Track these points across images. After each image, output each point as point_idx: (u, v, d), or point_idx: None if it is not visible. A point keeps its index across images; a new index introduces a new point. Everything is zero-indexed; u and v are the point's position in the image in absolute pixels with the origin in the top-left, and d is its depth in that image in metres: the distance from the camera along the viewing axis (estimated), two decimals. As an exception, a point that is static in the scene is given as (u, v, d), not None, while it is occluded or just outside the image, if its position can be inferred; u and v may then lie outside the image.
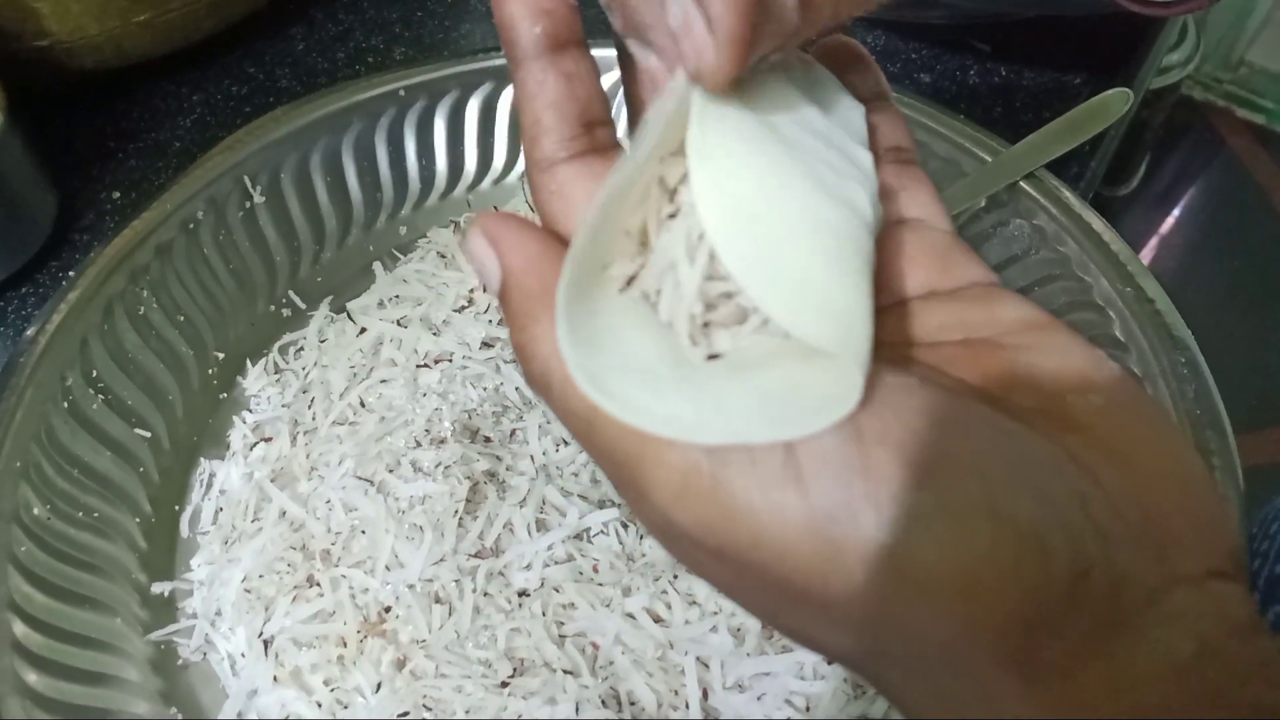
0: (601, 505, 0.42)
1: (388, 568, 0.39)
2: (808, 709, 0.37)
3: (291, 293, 0.50)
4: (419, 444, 0.42)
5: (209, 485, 0.45)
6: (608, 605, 0.38)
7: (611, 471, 0.20)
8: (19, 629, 0.37)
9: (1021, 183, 0.46)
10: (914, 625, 0.18)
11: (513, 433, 0.44)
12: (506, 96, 0.53)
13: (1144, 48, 0.61)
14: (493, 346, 0.46)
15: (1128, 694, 0.18)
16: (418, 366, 0.45)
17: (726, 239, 0.19)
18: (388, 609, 0.39)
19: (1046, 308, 0.47)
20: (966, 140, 0.48)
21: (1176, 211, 1.54)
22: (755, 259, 0.19)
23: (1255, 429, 1.27)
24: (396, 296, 0.49)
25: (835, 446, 0.18)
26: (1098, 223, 0.45)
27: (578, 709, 0.36)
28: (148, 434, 0.45)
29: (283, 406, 0.46)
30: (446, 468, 0.41)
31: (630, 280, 0.21)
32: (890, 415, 0.18)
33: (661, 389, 0.19)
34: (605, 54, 0.24)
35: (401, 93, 0.52)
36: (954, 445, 0.18)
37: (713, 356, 0.20)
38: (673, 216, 0.21)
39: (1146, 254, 1.47)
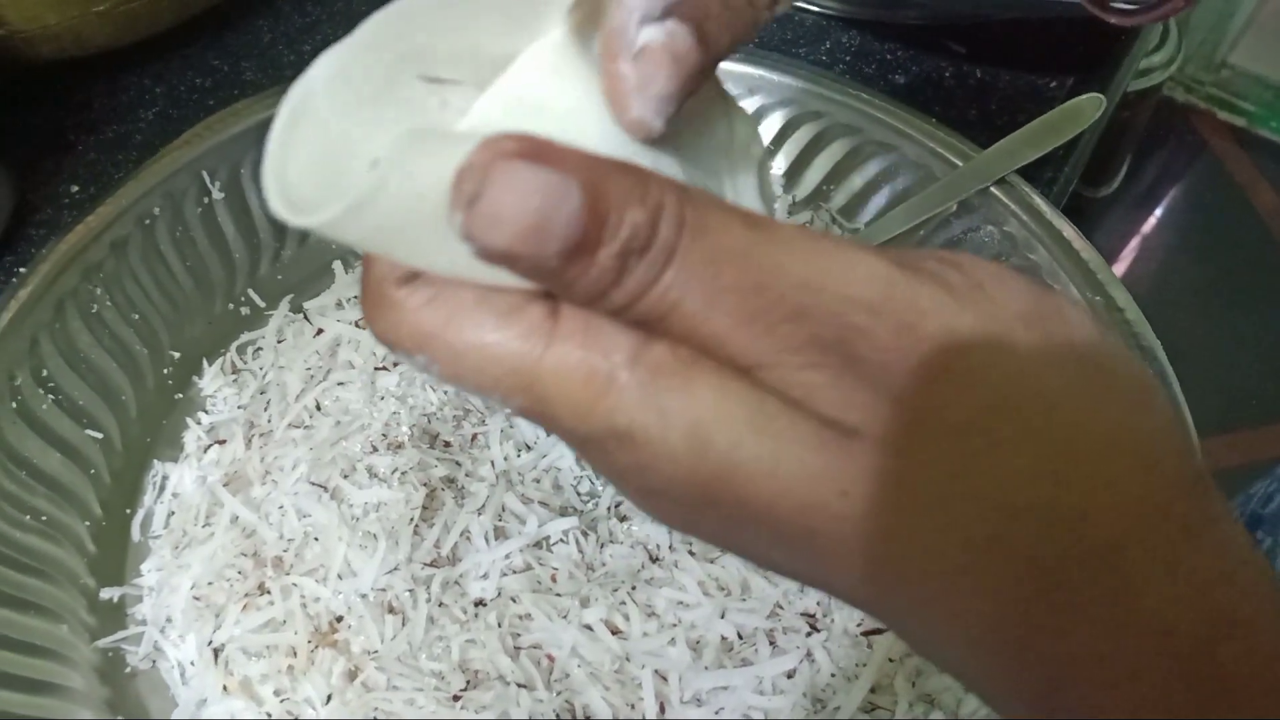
0: (563, 513, 0.41)
1: (340, 576, 0.38)
2: (766, 723, 0.36)
3: (251, 291, 0.49)
4: (375, 449, 0.42)
5: (161, 488, 0.44)
6: (565, 616, 0.37)
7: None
8: (-41, 637, 0.36)
9: (993, 188, 0.46)
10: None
11: (474, 437, 0.44)
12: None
13: (1121, 51, 0.61)
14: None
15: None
16: (376, 369, 0.45)
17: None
18: (339, 619, 0.38)
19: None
20: (938, 144, 0.47)
21: (1158, 213, 1.54)
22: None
23: (1233, 429, 1.27)
24: (355, 297, 0.48)
25: None
26: (1069, 230, 0.44)
27: (531, 723, 0.35)
28: (99, 435, 0.43)
29: (239, 408, 0.45)
30: (403, 474, 0.40)
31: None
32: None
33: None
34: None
35: (366, 87, 0.51)
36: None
37: None
38: None
39: (1128, 254, 1.47)
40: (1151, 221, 1.52)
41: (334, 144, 0.20)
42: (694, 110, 0.23)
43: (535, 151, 0.17)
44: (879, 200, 0.50)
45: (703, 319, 0.18)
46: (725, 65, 0.55)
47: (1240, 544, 0.19)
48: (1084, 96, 0.47)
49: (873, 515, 0.18)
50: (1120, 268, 1.45)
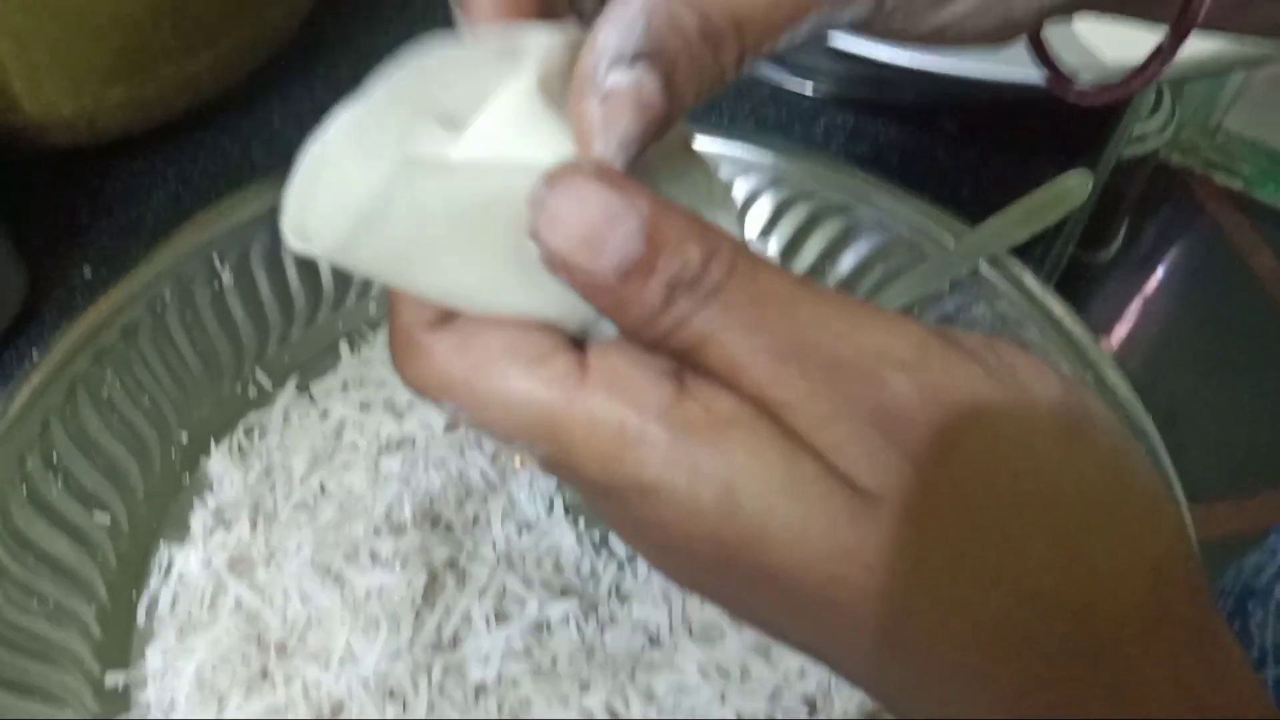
0: (564, 593, 0.42)
1: (341, 662, 0.39)
2: (767, 809, 0.36)
3: (258, 371, 0.50)
4: (378, 531, 0.42)
5: (167, 571, 0.44)
6: (565, 702, 0.38)
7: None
8: (-38, 724, 0.37)
9: (983, 266, 0.47)
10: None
11: (476, 518, 0.44)
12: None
13: (1109, 129, 0.62)
14: (457, 430, 0.46)
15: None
16: (380, 451, 0.45)
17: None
18: (341, 705, 0.38)
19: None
20: (930, 222, 0.48)
21: (1157, 276, 1.55)
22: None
23: (1236, 495, 1.27)
24: (360, 379, 0.49)
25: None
26: (1059, 308, 0.45)
27: (532, 810, 0.35)
28: (107, 518, 0.44)
29: (245, 490, 0.46)
30: (405, 556, 0.41)
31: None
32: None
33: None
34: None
35: (373, 171, 0.52)
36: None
37: None
38: None
39: (1128, 318, 1.48)
40: (1151, 285, 1.54)
41: (354, 191, 0.20)
42: (669, 165, 0.24)
43: (607, 176, 0.19)
44: (873, 277, 0.51)
45: (738, 349, 0.19)
46: (723, 148, 0.56)
47: (1232, 653, 0.20)
48: (1072, 177, 0.49)
49: (892, 591, 0.18)
50: (1121, 330, 1.46)
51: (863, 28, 0.24)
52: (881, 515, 0.18)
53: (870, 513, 0.18)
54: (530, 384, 0.20)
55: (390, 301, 0.21)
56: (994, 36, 0.25)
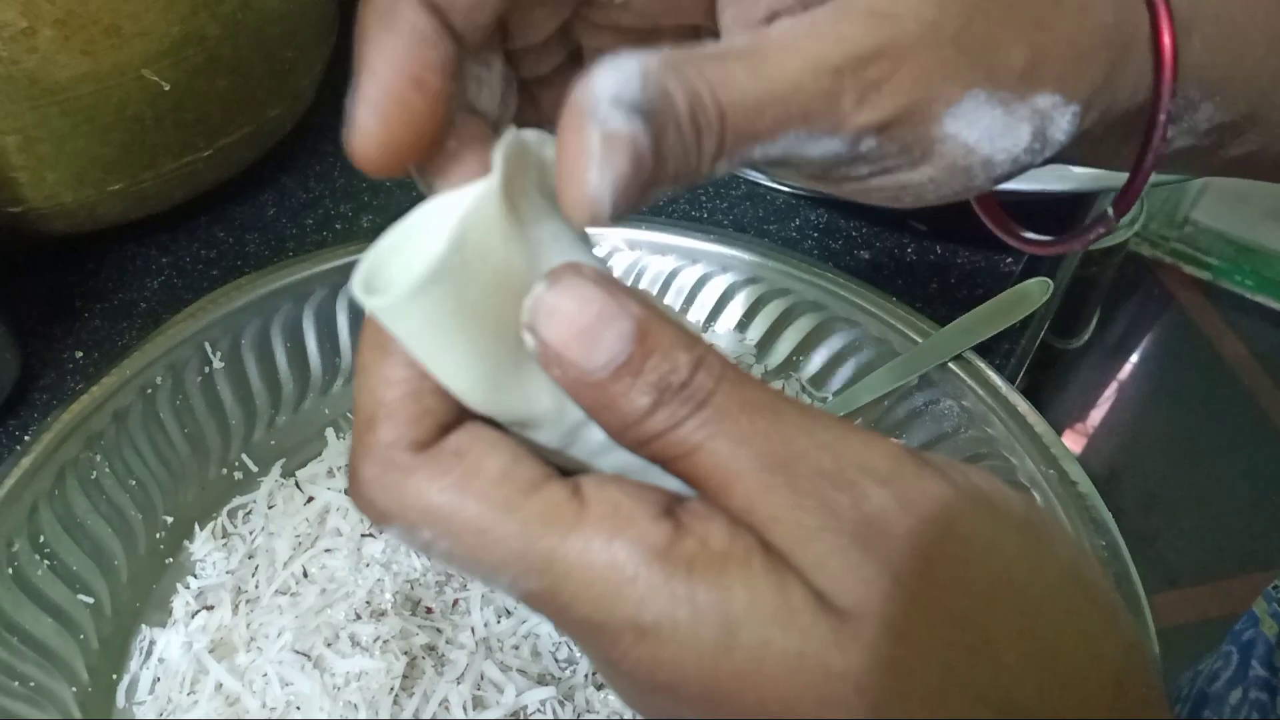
0: (541, 680, 0.42)
1: (320, 747, 0.39)
2: None
3: (245, 456, 0.51)
4: (359, 616, 0.43)
5: (148, 654, 0.45)
6: (539, 789, 0.38)
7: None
8: (-60, 809, 0.37)
9: (950, 364, 0.49)
10: None
11: (455, 603, 0.45)
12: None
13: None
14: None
15: None
16: (363, 536, 0.46)
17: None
18: (318, 790, 0.39)
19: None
20: (897, 321, 0.50)
21: (1130, 363, 1.59)
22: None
23: (1212, 579, 1.28)
24: (345, 465, 0.50)
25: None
26: (1023, 405, 0.47)
27: None
28: (90, 600, 0.45)
29: (227, 573, 0.46)
30: (385, 642, 0.42)
31: None
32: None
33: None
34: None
35: (362, 263, 0.54)
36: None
37: None
38: None
39: (1103, 403, 1.51)
40: (1124, 371, 1.57)
41: (429, 255, 0.20)
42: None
43: (604, 279, 0.20)
44: (845, 371, 0.53)
45: (729, 459, 0.19)
46: (701, 245, 0.58)
47: None
48: (1032, 281, 0.51)
49: (883, 707, 0.19)
50: (1095, 416, 1.48)
51: (829, 174, 0.25)
52: (865, 635, 0.19)
53: (854, 634, 0.19)
54: (525, 514, 0.19)
55: (361, 422, 0.20)
56: (948, 199, 0.26)
